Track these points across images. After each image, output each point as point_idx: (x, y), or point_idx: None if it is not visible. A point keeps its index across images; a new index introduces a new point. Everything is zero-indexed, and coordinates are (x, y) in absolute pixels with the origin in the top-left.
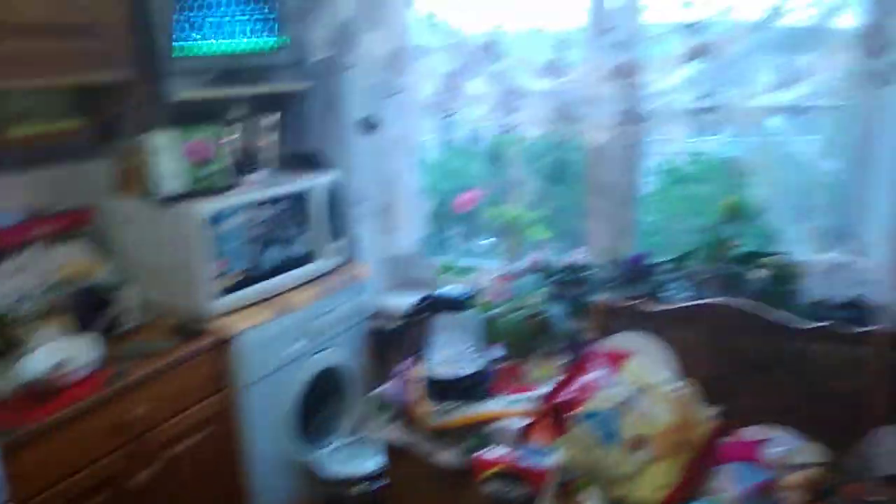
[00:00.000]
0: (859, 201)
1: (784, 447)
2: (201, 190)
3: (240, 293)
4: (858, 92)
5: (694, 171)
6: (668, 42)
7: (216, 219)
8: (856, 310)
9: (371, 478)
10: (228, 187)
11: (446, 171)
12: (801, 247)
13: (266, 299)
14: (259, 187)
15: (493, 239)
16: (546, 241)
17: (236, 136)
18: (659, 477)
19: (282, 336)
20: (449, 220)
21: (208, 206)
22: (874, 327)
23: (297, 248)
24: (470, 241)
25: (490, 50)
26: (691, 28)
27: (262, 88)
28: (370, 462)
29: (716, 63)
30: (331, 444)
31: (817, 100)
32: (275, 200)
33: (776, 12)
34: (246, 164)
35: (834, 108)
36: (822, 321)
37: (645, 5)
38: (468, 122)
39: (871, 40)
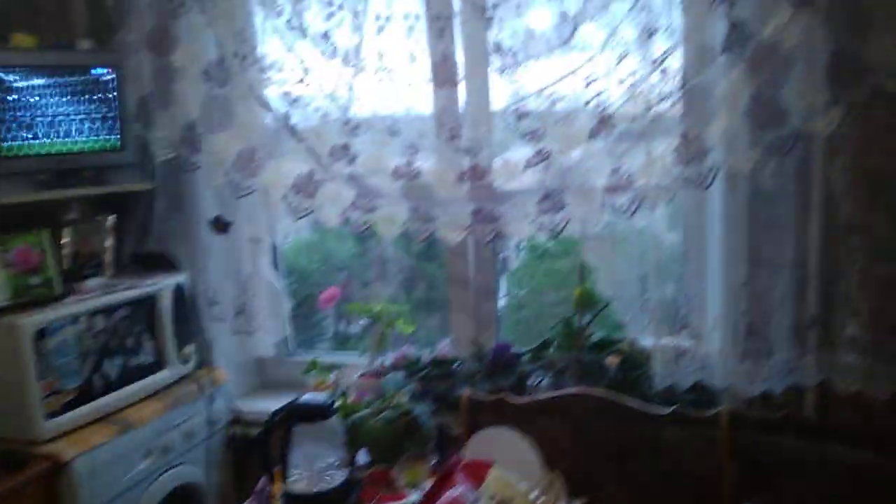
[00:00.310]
0: (696, 289)
1: None
2: (27, 302)
3: (74, 413)
4: (683, 192)
5: (553, 246)
6: (513, 146)
7: (44, 333)
8: (701, 393)
9: None
10: (60, 297)
11: (320, 253)
12: (647, 333)
13: (106, 416)
14: (96, 294)
15: (364, 321)
16: (411, 336)
17: (69, 240)
18: None
19: (125, 456)
20: (315, 311)
21: (34, 320)
22: (718, 409)
23: (142, 358)
24: (340, 327)
25: (344, 152)
26: (532, 135)
27: (101, 189)
28: None
29: (558, 165)
30: None
31: (650, 194)
32: (114, 307)
33: (607, 118)
34: (81, 270)
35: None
36: (672, 406)
37: (490, 112)
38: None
39: (686, 150)
